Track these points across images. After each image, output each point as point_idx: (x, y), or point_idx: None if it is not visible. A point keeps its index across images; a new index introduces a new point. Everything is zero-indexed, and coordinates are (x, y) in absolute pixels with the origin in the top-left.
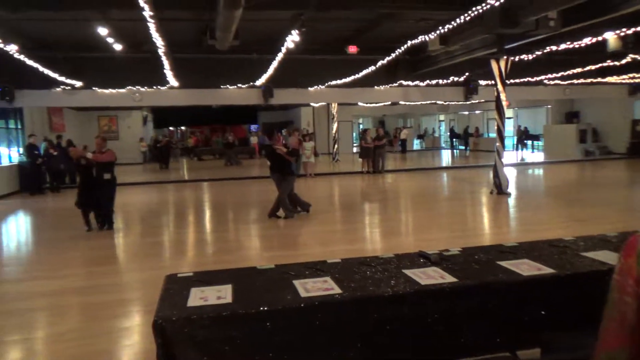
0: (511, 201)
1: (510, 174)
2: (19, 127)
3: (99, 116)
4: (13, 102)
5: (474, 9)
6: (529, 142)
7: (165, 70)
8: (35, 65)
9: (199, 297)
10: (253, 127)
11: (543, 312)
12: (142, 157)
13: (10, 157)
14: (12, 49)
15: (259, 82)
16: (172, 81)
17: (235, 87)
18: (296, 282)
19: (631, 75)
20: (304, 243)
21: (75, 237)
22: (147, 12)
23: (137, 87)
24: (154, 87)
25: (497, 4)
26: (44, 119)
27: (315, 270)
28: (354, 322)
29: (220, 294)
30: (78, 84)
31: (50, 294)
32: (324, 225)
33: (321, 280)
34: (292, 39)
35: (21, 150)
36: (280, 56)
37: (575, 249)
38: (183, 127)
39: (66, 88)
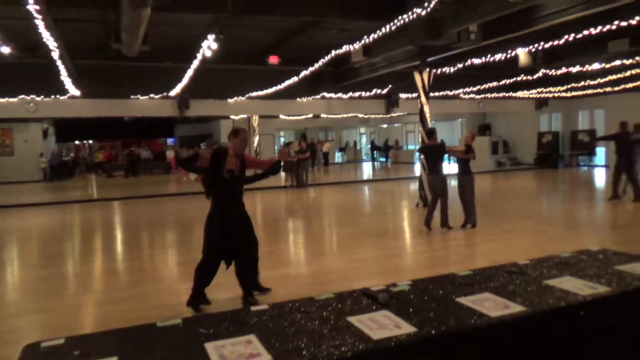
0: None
1: None
2: None
3: None
4: None
5: (399, 18)
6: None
7: (62, 77)
8: None
9: None
10: (170, 141)
11: None
12: (43, 174)
13: None
14: None
15: (173, 93)
16: (73, 90)
17: (147, 97)
18: (209, 346)
19: (539, 90)
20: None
21: None
22: (32, 6)
23: (31, 96)
24: (52, 97)
25: (423, 12)
26: None
27: (237, 323)
28: None
29: None
30: None
31: None
32: None
33: (244, 341)
34: (209, 45)
35: None
36: (196, 64)
37: (534, 275)
38: (91, 141)
39: None
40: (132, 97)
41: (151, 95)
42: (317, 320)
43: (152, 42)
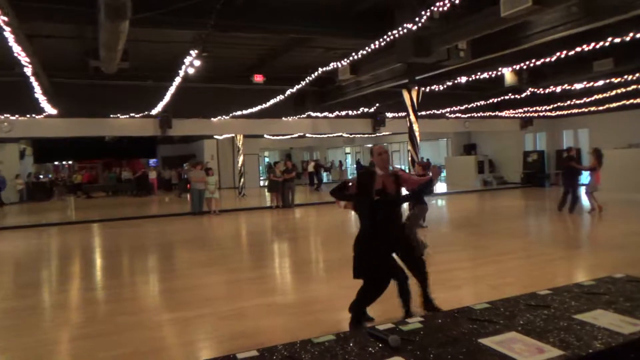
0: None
1: None
2: None
3: None
4: None
5: (388, 33)
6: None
7: (37, 95)
8: None
9: None
10: (152, 162)
11: None
12: (19, 196)
13: None
14: None
15: (154, 112)
16: (49, 109)
17: (128, 116)
18: None
19: (524, 109)
20: (212, 297)
21: None
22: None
23: (5, 115)
24: (28, 116)
25: (414, 27)
26: None
27: None
28: None
29: None
30: None
31: None
32: (233, 273)
33: None
34: (192, 61)
35: None
36: (178, 81)
37: (560, 309)
38: (70, 162)
39: None
40: (112, 116)
41: (132, 114)
42: None
43: (132, 59)
